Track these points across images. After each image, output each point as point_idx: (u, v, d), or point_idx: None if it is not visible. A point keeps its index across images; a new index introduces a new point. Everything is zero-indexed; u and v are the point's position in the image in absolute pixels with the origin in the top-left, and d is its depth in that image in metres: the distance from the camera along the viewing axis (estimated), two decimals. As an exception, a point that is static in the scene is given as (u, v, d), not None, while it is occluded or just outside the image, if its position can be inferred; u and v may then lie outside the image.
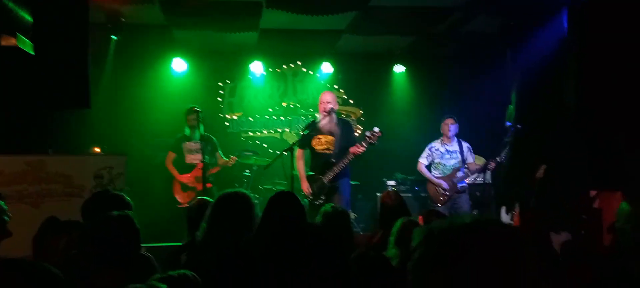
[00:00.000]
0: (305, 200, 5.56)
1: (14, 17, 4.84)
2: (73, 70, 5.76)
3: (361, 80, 8.85)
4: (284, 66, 8.87)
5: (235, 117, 8.76)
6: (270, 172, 6.78)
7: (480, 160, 6.73)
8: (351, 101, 9.04)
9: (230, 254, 2.75)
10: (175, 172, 6.71)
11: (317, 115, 5.90)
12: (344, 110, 8.85)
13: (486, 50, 7.88)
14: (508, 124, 6.33)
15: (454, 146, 6.53)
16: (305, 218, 3.13)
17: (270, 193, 7.14)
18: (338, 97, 8.68)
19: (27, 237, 2.85)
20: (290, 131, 8.81)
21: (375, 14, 6.61)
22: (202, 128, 6.07)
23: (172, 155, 6.79)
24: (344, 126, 5.78)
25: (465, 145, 6.54)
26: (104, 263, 2.30)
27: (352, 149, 5.41)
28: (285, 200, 3.13)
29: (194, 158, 6.66)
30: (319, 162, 5.71)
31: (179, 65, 8.18)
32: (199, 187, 6.35)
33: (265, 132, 8.80)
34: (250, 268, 2.66)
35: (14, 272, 1.52)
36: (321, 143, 5.72)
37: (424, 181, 7.19)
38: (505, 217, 5.77)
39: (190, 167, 6.70)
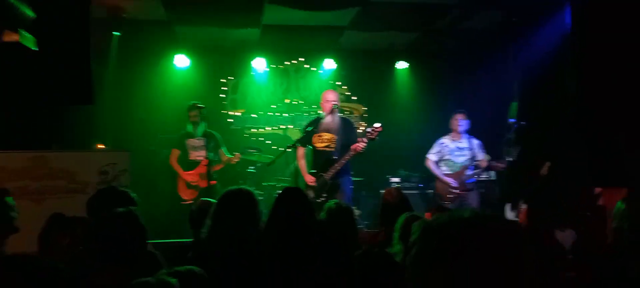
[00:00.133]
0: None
1: (17, 14, 4.83)
2: (75, 66, 5.76)
3: (364, 77, 8.83)
4: (287, 62, 8.85)
5: (238, 114, 8.75)
6: (274, 168, 6.77)
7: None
8: (354, 98, 9.02)
9: (235, 252, 2.75)
10: (179, 170, 6.70)
11: (319, 112, 5.89)
12: (347, 107, 8.84)
13: (488, 47, 7.87)
14: (511, 120, 6.31)
15: (464, 143, 6.39)
16: (313, 214, 3.12)
17: (273, 190, 7.15)
18: (341, 93, 8.67)
19: (29, 233, 2.84)
20: (293, 128, 8.80)
21: (377, 10, 6.60)
22: (205, 124, 6.05)
23: (176, 153, 6.78)
24: (345, 124, 5.79)
25: (475, 141, 6.39)
26: (109, 260, 2.29)
27: (353, 146, 5.40)
28: (293, 197, 3.12)
29: (198, 155, 6.65)
30: (320, 160, 5.72)
31: (181, 61, 8.17)
32: (203, 184, 6.34)
33: (268, 128, 8.79)
34: (255, 266, 2.65)
35: (25, 270, 1.53)
36: (322, 140, 5.71)
37: (428, 178, 7.17)
38: (510, 214, 5.75)
39: (194, 164, 6.68)
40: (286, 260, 2.69)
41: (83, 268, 2.19)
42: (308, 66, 8.90)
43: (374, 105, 8.90)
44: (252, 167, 7.21)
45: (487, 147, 6.66)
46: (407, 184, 7.55)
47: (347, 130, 5.70)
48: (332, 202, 3.69)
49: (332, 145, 5.65)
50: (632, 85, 5.20)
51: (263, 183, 7.29)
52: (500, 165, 6.08)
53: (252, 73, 8.64)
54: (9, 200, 3.00)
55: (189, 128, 6.76)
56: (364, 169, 7.17)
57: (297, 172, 5.52)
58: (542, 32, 6.64)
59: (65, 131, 6.27)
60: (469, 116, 6.47)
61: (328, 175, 5.53)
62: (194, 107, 6.49)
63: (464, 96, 7.92)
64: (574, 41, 5.92)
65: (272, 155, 6.91)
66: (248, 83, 8.75)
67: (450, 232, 1.06)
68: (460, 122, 6.35)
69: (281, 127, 8.80)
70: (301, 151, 5.83)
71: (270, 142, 8.63)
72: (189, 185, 6.66)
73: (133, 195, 3.19)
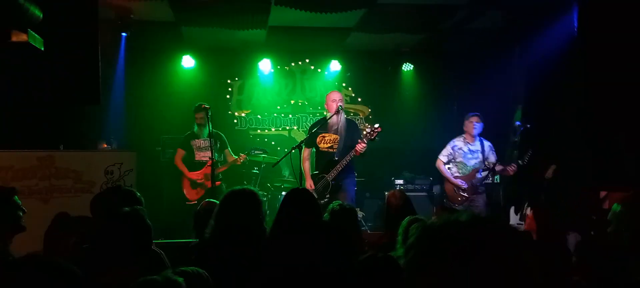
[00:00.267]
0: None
1: (25, 13, 4.87)
2: (83, 66, 5.80)
3: (369, 78, 8.84)
4: (293, 64, 8.87)
5: (243, 115, 8.78)
6: (279, 169, 6.79)
7: None
8: (359, 99, 9.03)
9: (238, 252, 2.77)
10: (184, 169, 6.73)
11: (325, 113, 5.91)
12: (352, 109, 8.84)
13: (494, 48, 7.85)
14: (517, 123, 6.28)
15: (477, 145, 6.31)
16: (320, 215, 3.13)
17: (278, 190, 7.17)
18: (346, 95, 8.68)
19: (36, 232, 2.87)
20: (298, 129, 8.81)
21: (384, 11, 6.61)
22: (210, 125, 6.08)
23: (181, 153, 6.81)
24: (349, 125, 5.80)
25: (487, 144, 6.32)
26: (115, 259, 2.31)
27: (355, 147, 5.42)
28: (300, 198, 3.12)
29: (204, 155, 6.67)
30: (322, 161, 5.74)
31: (187, 62, 8.21)
32: (208, 184, 6.36)
33: (273, 129, 8.81)
34: (258, 267, 2.67)
35: (38, 270, 1.55)
36: (325, 141, 5.74)
37: (433, 180, 7.16)
38: (514, 217, 5.74)
39: (199, 165, 6.71)
40: (290, 261, 2.71)
41: (89, 268, 2.21)
42: (314, 67, 8.91)
43: (379, 107, 8.91)
44: (257, 168, 7.24)
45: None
46: (410, 186, 7.55)
47: (351, 132, 5.72)
48: (335, 203, 3.70)
49: (335, 146, 5.67)
50: (636, 86, 5.19)
51: (268, 184, 7.32)
52: (511, 168, 6.02)
53: (257, 74, 8.67)
54: (15, 198, 3.02)
55: (195, 128, 6.79)
56: (368, 171, 7.18)
57: (301, 174, 5.54)
58: (548, 33, 6.62)
59: (72, 131, 6.30)
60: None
61: (330, 176, 5.55)
62: (200, 108, 6.51)
63: (469, 98, 7.91)
64: (581, 42, 5.92)
65: (277, 157, 6.93)
66: (253, 84, 8.78)
67: (448, 234, 1.07)
68: (475, 125, 6.26)
69: (286, 128, 8.83)
70: (306, 153, 5.85)
71: (274, 143, 8.66)
72: (194, 186, 6.69)
73: (138, 195, 3.21)
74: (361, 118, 8.88)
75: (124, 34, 7.11)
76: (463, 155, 6.33)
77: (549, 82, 6.47)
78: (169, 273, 1.84)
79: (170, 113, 7.99)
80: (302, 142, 5.61)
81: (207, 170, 6.48)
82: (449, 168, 6.44)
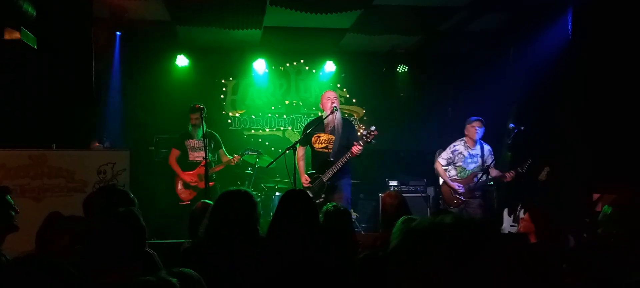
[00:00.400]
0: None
1: (18, 11, 4.84)
2: (77, 65, 5.77)
3: (364, 79, 8.84)
4: (287, 64, 8.87)
5: (237, 115, 8.76)
6: (273, 170, 6.77)
7: None
8: (354, 100, 9.03)
9: (233, 253, 2.76)
10: (178, 170, 6.71)
11: (320, 113, 5.90)
12: (347, 110, 8.84)
13: (490, 50, 7.88)
14: (511, 125, 6.30)
15: (477, 149, 6.30)
16: (318, 217, 3.12)
17: (272, 191, 7.16)
18: (340, 96, 8.69)
19: (28, 231, 2.84)
20: (292, 129, 8.81)
21: (379, 12, 6.61)
22: (204, 125, 6.05)
23: (175, 153, 6.78)
24: (345, 125, 5.78)
25: (486, 148, 6.30)
26: (109, 260, 2.30)
27: (352, 149, 5.41)
28: (297, 199, 3.11)
29: (197, 155, 6.65)
30: (317, 161, 5.74)
31: (181, 61, 8.19)
32: (202, 184, 6.33)
33: (267, 130, 8.80)
34: (253, 268, 2.66)
35: (38, 269, 1.54)
36: (320, 141, 5.73)
37: (430, 182, 7.15)
38: (507, 220, 5.75)
39: (193, 165, 6.68)
40: (287, 261, 2.70)
41: (83, 268, 2.19)
42: (308, 68, 8.91)
43: (374, 108, 8.91)
44: (250, 169, 7.22)
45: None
46: (405, 187, 7.57)
47: (347, 131, 5.71)
48: (329, 205, 3.70)
49: (330, 147, 5.66)
50: (633, 87, 5.22)
51: (262, 185, 7.30)
52: (509, 175, 6.03)
53: (252, 74, 8.65)
54: (7, 197, 3.00)
55: (190, 128, 6.76)
56: (362, 172, 7.17)
57: (296, 175, 5.53)
58: (544, 35, 6.65)
59: (65, 129, 6.27)
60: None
61: (325, 176, 5.54)
62: (195, 108, 6.48)
63: (464, 100, 7.93)
64: (576, 44, 5.94)
65: (270, 157, 6.92)
66: (248, 84, 8.76)
67: (432, 237, 1.07)
68: (478, 130, 6.25)
69: (281, 128, 8.82)
70: (301, 151, 5.84)
71: (268, 143, 8.65)
72: (187, 186, 6.67)
73: (131, 195, 3.19)
74: (355, 119, 8.88)
75: (118, 33, 7.08)
76: (463, 159, 6.33)
77: (543, 85, 6.49)
78: (163, 274, 1.82)
79: (164, 112, 7.96)
80: (296, 142, 5.60)
81: (200, 170, 6.45)
82: (447, 170, 6.44)
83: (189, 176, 6.66)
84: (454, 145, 6.39)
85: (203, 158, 6.08)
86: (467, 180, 6.27)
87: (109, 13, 6.66)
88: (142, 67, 8.03)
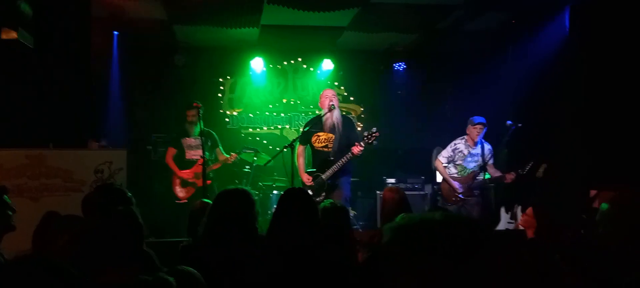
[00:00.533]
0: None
1: (16, 11, 4.83)
2: (75, 64, 5.77)
3: (362, 78, 8.85)
4: (285, 62, 8.87)
5: (235, 113, 8.77)
6: (271, 168, 6.77)
7: None
8: (352, 98, 9.03)
9: (231, 252, 2.76)
10: (175, 168, 6.70)
11: (317, 112, 5.90)
12: (345, 108, 8.84)
13: (487, 48, 7.88)
14: (508, 122, 6.30)
15: (477, 149, 6.26)
16: (318, 216, 3.12)
17: (269, 189, 7.15)
18: (338, 94, 8.69)
19: (26, 231, 2.84)
20: (290, 128, 8.81)
21: (377, 10, 6.61)
22: (201, 123, 6.05)
23: (172, 151, 6.77)
24: (346, 124, 5.76)
25: (487, 147, 6.28)
26: (108, 259, 2.30)
27: (352, 149, 5.41)
28: (297, 198, 3.11)
29: (195, 154, 6.64)
30: (317, 160, 5.73)
31: (180, 60, 8.18)
32: (199, 183, 6.33)
33: (265, 128, 8.80)
34: (252, 267, 2.66)
35: (38, 269, 1.54)
36: (320, 140, 5.72)
37: (428, 180, 7.15)
38: (505, 217, 5.76)
39: (190, 163, 6.67)
40: (288, 258, 2.71)
41: (80, 267, 2.19)
42: (306, 66, 8.91)
43: (371, 106, 8.92)
44: (248, 167, 7.21)
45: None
46: (402, 185, 7.56)
47: (347, 130, 5.69)
48: (327, 202, 3.69)
49: (330, 145, 5.66)
50: (631, 85, 5.23)
51: (259, 183, 7.30)
52: (510, 176, 6.04)
53: (250, 73, 8.65)
54: (5, 197, 2.99)
55: (186, 127, 6.76)
56: (360, 170, 7.17)
57: (294, 173, 5.53)
58: (542, 34, 6.66)
59: (62, 129, 6.26)
60: (468, 117, 6.39)
61: (326, 175, 5.54)
62: (192, 106, 6.48)
63: (462, 98, 7.94)
64: (573, 43, 5.96)
65: (268, 155, 6.92)
66: (246, 83, 8.76)
67: (424, 233, 1.07)
68: (480, 132, 6.22)
69: (278, 127, 8.83)
70: (300, 149, 5.83)
71: (266, 141, 8.65)
72: (184, 184, 6.66)
73: (129, 194, 3.19)
74: (353, 117, 8.88)
75: (116, 32, 7.07)
76: (463, 158, 6.31)
77: (541, 83, 6.51)
78: (161, 273, 1.83)
79: (162, 111, 7.96)
80: (294, 140, 5.59)
81: (197, 168, 6.45)
82: (447, 168, 6.45)
83: (186, 174, 6.65)
84: (455, 144, 6.39)
85: (200, 156, 6.08)
86: (467, 178, 6.27)
87: (107, 12, 6.65)
88: (140, 66, 8.02)
